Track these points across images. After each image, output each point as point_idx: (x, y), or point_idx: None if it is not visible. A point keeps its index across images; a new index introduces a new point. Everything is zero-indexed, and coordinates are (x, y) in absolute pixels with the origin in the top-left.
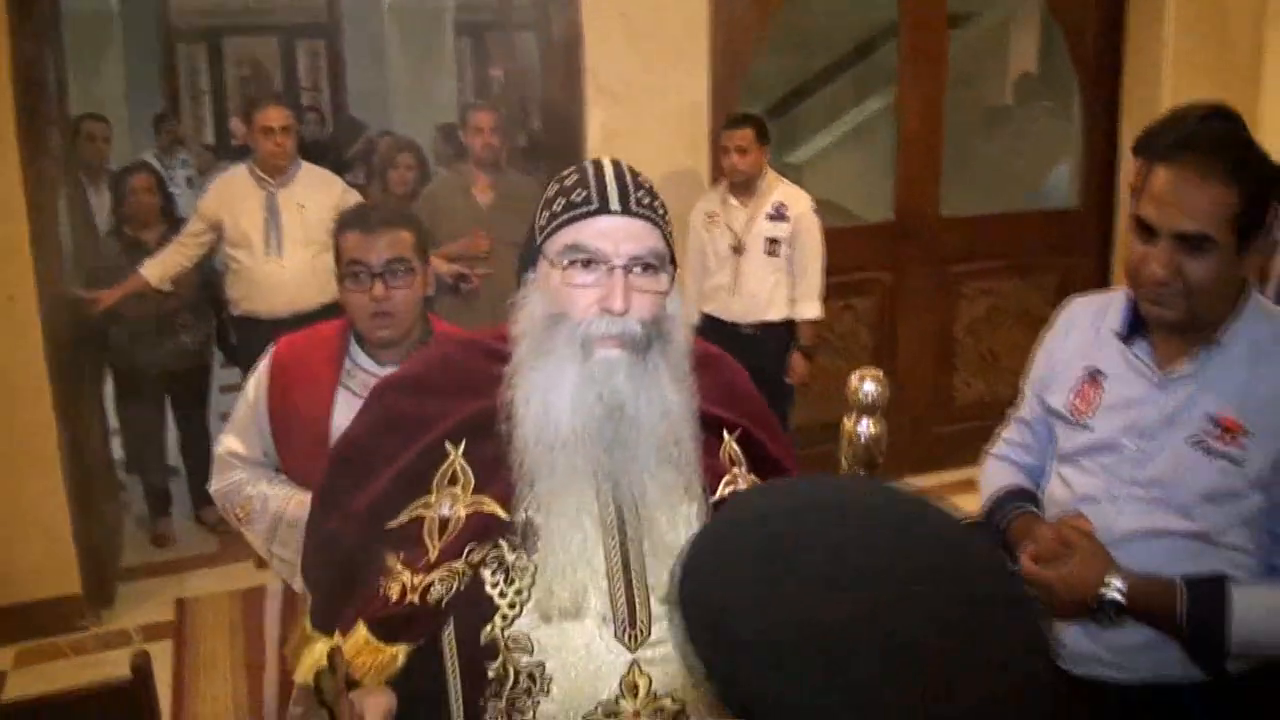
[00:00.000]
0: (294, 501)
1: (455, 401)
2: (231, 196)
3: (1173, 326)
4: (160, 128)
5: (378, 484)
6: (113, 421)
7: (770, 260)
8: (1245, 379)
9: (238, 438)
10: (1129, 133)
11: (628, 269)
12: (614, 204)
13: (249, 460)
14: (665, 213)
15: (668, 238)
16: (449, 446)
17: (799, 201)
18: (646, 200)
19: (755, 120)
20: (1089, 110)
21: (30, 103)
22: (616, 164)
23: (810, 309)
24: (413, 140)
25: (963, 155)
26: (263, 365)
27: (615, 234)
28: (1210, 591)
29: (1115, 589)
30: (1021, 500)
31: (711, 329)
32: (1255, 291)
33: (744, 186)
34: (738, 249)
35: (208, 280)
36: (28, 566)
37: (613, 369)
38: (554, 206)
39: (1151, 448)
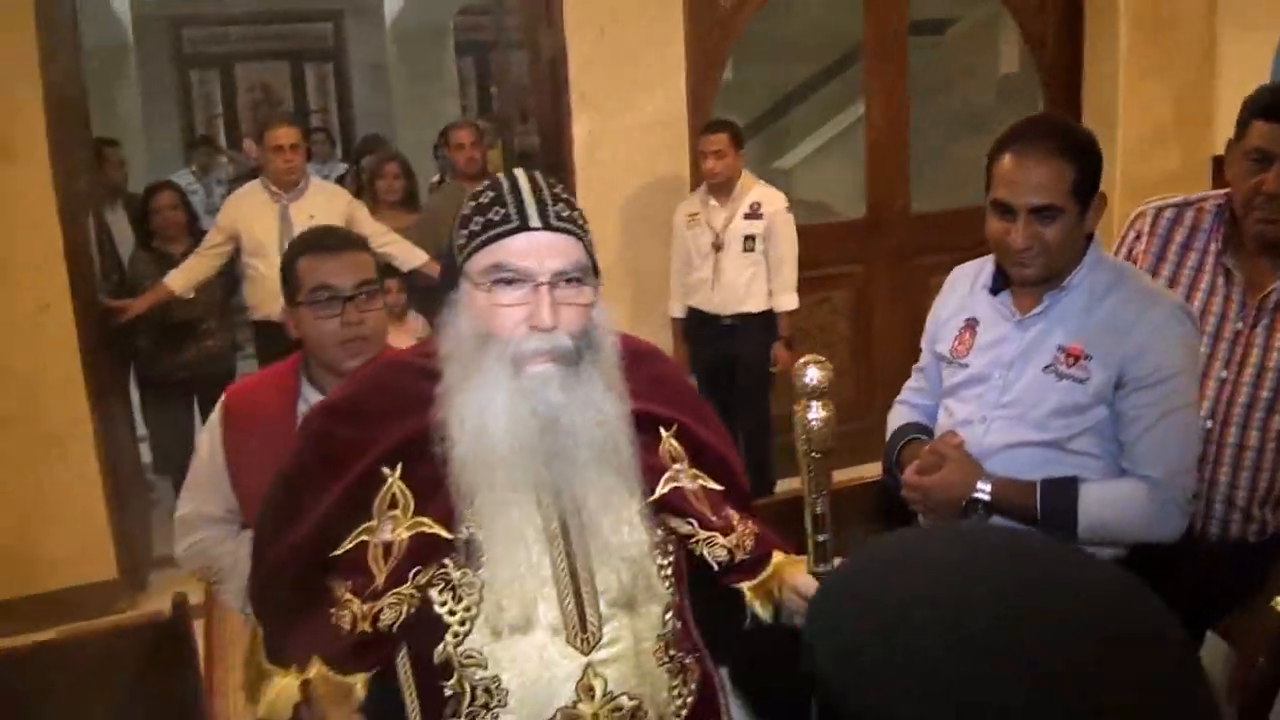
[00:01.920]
0: None
1: (389, 424)
2: (247, 210)
3: (1033, 282)
4: (198, 148)
5: (319, 512)
6: (140, 429)
7: (747, 255)
8: (1086, 316)
9: (198, 497)
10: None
11: (553, 284)
12: (534, 220)
13: (212, 519)
14: (585, 224)
15: (589, 249)
16: (386, 470)
17: (773, 201)
18: (566, 213)
19: (729, 126)
20: (1052, 111)
21: (59, 127)
22: (533, 177)
23: (787, 301)
24: (398, 151)
25: (944, 155)
26: (215, 418)
27: (538, 250)
28: (1062, 488)
29: (982, 490)
30: (915, 432)
31: (696, 321)
32: (1096, 245)
33: (722, 188)
34: (717, 246)
35: (231, 288)
36: (66, 554)
37: (545, 383)
38: (472, 225)
39: (1012, 376)
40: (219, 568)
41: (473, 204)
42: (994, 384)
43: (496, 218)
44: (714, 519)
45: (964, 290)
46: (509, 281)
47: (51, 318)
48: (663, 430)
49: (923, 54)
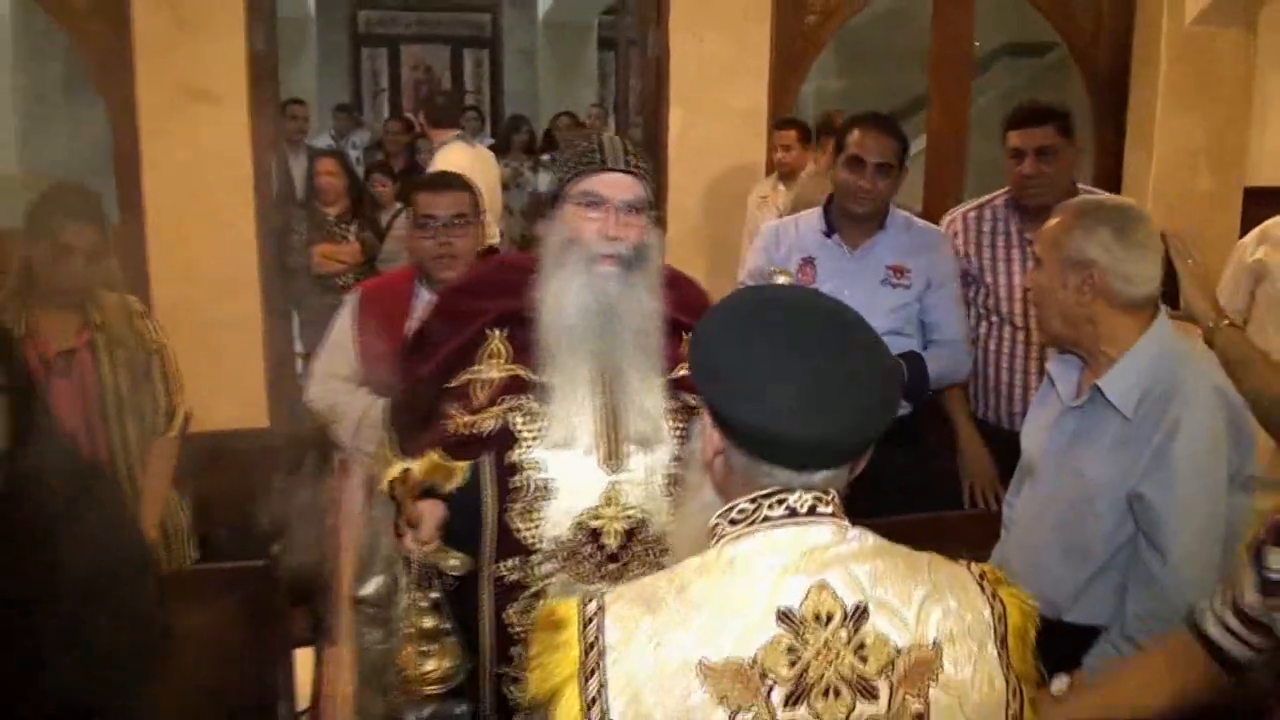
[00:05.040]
0: (376, 407)
1: (497, 299)
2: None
3: (865, 218)
4: (338, 114)
5: (441, 357)
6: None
7: None
8: (897, 244)
9: (331, 358)
10: (1131, 160)
11: (621, 209)
12: (613, 162)
13: (338, 375)
14: (649, 171)
15: (649, 189)
16: (492, 331)
17: None
18: (635, 163)
19: (799, 123)
20: (1099, 135)
21: (255, 80)
22: (618, 136)
23: None
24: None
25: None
26: (351, 301)
27: (614, 184)
28: (914, 359)
29: None
30: None
31: None
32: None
33: (790, 176)
34: None
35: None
36: (231, 409)
37: (608, 279)
38: (571, 160)
39: (853, 289)
40: (339, 410)
41: (573, 149)
42: (844, 298)
43: (590, 158)
44: None
45: (789, 240)
46: (592, 203)
47: (238, 233)
48: (684, 335)
49: (1024, 72)
